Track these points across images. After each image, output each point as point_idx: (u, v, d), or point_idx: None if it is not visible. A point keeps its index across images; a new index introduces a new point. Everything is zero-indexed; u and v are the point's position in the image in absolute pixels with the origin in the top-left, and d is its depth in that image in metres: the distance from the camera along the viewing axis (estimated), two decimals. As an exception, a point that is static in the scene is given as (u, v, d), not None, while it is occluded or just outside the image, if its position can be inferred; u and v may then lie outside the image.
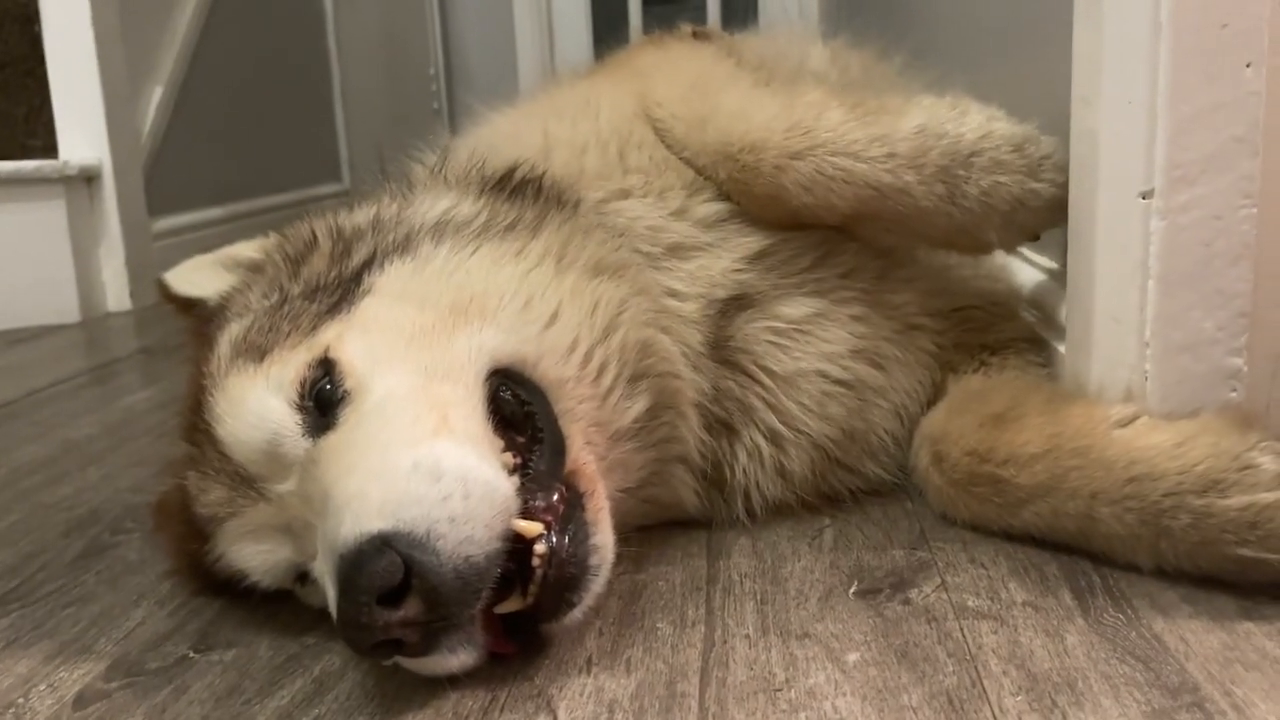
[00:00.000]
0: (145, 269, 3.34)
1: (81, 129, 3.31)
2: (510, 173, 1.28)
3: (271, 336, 1.09)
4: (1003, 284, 1.46)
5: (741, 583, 1.13)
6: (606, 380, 1.12)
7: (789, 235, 1.30)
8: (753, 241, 1.29)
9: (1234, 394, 1.10)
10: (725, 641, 1.00)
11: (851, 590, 1.09)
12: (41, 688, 1.04)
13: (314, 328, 1.09)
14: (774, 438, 1.26)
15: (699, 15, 5.42)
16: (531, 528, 0.95)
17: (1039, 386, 1.26)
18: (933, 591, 1.07)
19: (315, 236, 1.24)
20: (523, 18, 5.78)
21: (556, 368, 1.09)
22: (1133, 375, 1.12)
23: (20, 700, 1.01)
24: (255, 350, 1.08)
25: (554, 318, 1.12)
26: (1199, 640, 0.93)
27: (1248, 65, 1.04)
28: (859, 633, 1.00)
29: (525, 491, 0.97)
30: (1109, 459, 1.05)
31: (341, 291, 1.13)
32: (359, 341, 1.06)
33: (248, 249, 1.32)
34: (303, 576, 1.06)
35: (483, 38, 6.07)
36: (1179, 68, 1.05)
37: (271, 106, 4.67)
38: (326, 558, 0.92)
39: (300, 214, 1.32)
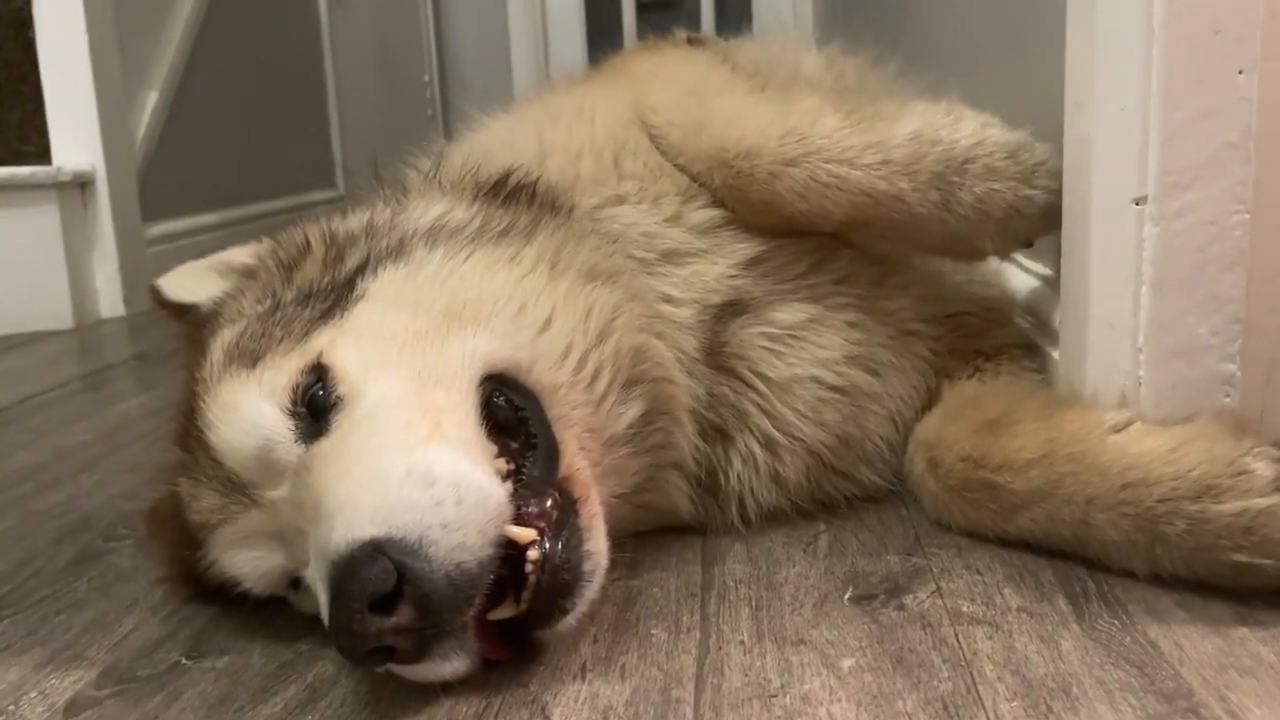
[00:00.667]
0: (139, 275, 3.32)
1: (75, 135, 3.30)
2: (505, 178, 1.28)
3: (264, 342, 1.09)
4: (997, 290, 1.46)
5: (736, 589, 1.12)
6: (600, 386, 1.12)
7: (784, 241, 1.30)
8: (747, 248, 1.29)
9: (1228, 399, 1.10)
10: (720, 648, 1.00)
11: (846, 596, 1.09)
12: (33, 695, 1.03)
13: (307, 333, 1.08)
14: (769, 444, 1.25)
15: (693, 22, 5.44)
16: (525, 534, 0.94)
17: (1034, 392, 1.26)
18: (928, 597, 1.07)
19: (309, 242, 1.24)
20: (517, 25, 5.80)
21: (550, 373, 1.09)
22: (1127, 381, 1.12)
23: (11, 708, 1.01)
24: (248, 356, 1.08)
25: (548, 323, 1.11)
26: (1194, 646, 0.93)
27: (1240, 71, 1.04)
28: (854, 639, 1.00)
29: (518, 497, 0.97)
30: (1104, 464, 1.05)
31: (335, 297, 1.13)
32: (352, 347, 1.06)
33: (241, 254, 1.32)
34: (295, 583, 1.05)
35: (477, 45, 6.08)
36: (1172, 74, 1.05)
37: (266, 113, 4.66)
38: (319, 564, 0.92)
39: (295, 220, 1.31)
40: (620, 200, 1.31)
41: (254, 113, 4.53)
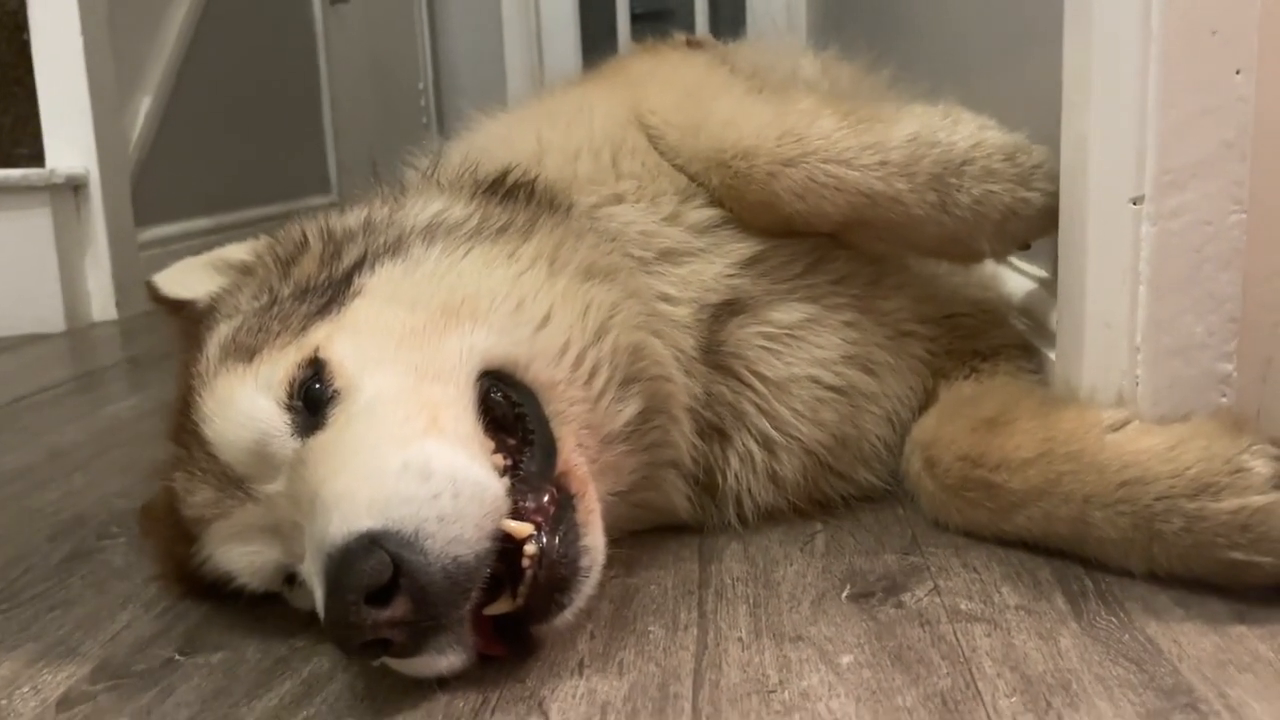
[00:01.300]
0: (131, 279, 3.32)
1: (69, 138, 3.29)
2: (503, 177, 1.28)
3: (261, 337, 1.08)
4: (993, 291, 1.46)
5: (734, 586, 1.12)
6: (598, 383, 1.12)
7: (781, 242, 1.30)
8: (745, 247, 1.29)
9: (1224, 398, 1.10)
10: (718, 644, 1.00)
11: (844, 594, 1.08)
12: (25, 690, 1.02)
13: (304, 328, 1.08)
14: (766, 443, 1.25)
15: (686, 30, 5.43)
16: (521, 528, 0.94)
17: (1030, 392, 1.27)
18: (926, 595, 1.06)
19: (306, 238, 1.24)
20: (512, 34, 5.81)
21: (548, 370, 1.09)
22: (1124, 380, 1.13)
23: (3, 702, 1.00)
24: (244, 350, 1.08)
25: (545, 320, 1.11)
26: (1192, 643, 0.93)
27: (1237, 71, 1.05)
28: (852, 636, 0.99)
29: (515, 493, 0.97)
30: (1101, 463, 1.05)
31: (332, 292, 1.12)
32: (349, 342, 1.05)
33: (238, 251, 1.32)
34: (291, 578, 1.05)
35: (472, 53, 6.10)
36: (1169, 74, 1.05)
37: (260, 118, 4.66)
38: (314, 557, 0.92)
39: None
40: (618, 199, 1.31)
41: (248, 118, 4.53)
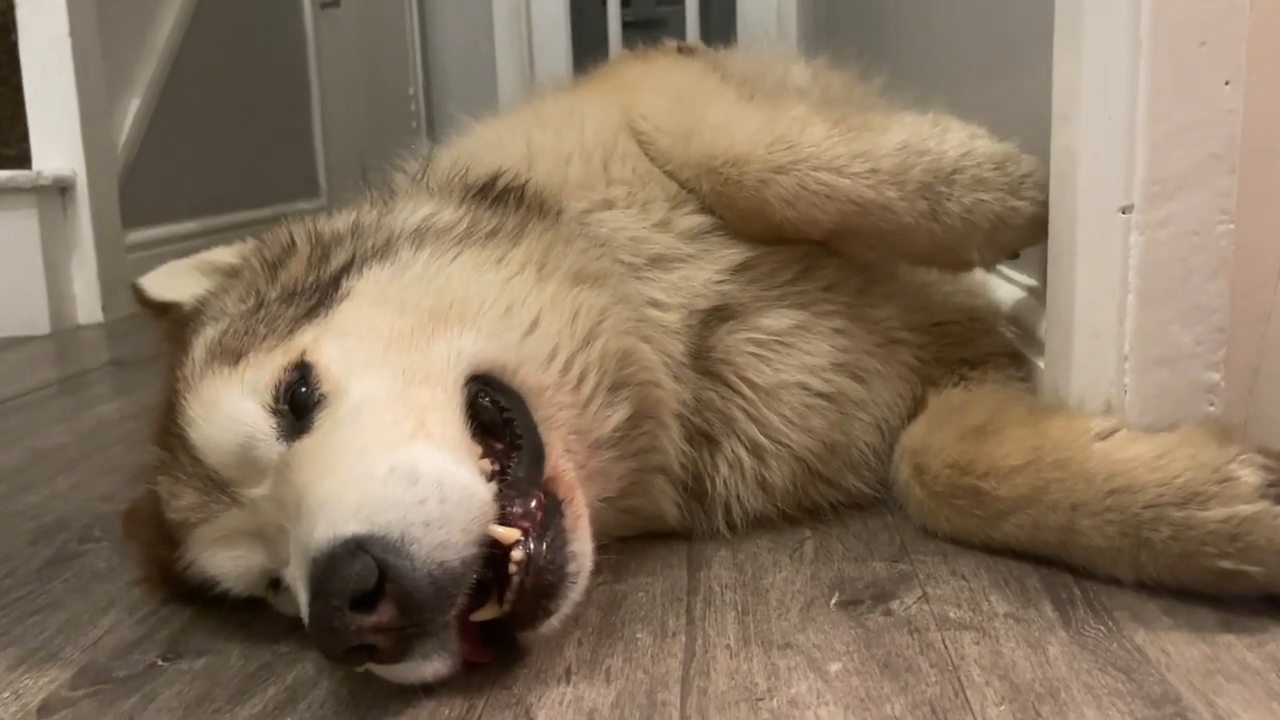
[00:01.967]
0: (118, 281, 3.30)
1: (56, 139, 3.28)
2: (492, 181, 1.28)
3: (247, 340, 1.08)
4: (982, 300, 1.46)
5: (722, 593, 1.12)
6: (586, 388, 1.12)
7: (771, 249, 1.30)
8: (735, 254, 1.29)
9: (1212, 408, 1.10)
10: (706, 651, 0.99)
11: (833, 601, 1.08)
12: (5, 695, 1.01)
13: (291, 331, 1.07)
14: (755, 449, 1.25)
15: (677, 37, 5.44)
16: (509, 534, 0.93)
17: (1019, 399, 1.27)
18: (914, 603, 1.06)
19: (293, 241, 1.23)
20: (503, 39, 5.81)
21: (536, 375, 1.08)
22: (1112, 389, 1.13)
23: (-18, 708, 0.99)
24: (230, 353, 1.07)
25: (534, 325, 1.11)
26: (1180, 652, 0.93)
27: (1226, 83, 1.05)
28: (841, 643, 0.99)
29: (503, 498, 0.96)
30: (1089, 471, 1.05)
31: (319, 296, 1.12)
32: (336, 345, 1.05)
33: (225, 254, 1.31)
34: (275, 583, 1.04)
35: (462, 58, 6.09)
36: (1158, 85, 1.06)
37: (250, 121, 4.65)
38: (299, 562, 0.91)
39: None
40: (609, 205, 1.31)
41: (238, 120, 4.52)
